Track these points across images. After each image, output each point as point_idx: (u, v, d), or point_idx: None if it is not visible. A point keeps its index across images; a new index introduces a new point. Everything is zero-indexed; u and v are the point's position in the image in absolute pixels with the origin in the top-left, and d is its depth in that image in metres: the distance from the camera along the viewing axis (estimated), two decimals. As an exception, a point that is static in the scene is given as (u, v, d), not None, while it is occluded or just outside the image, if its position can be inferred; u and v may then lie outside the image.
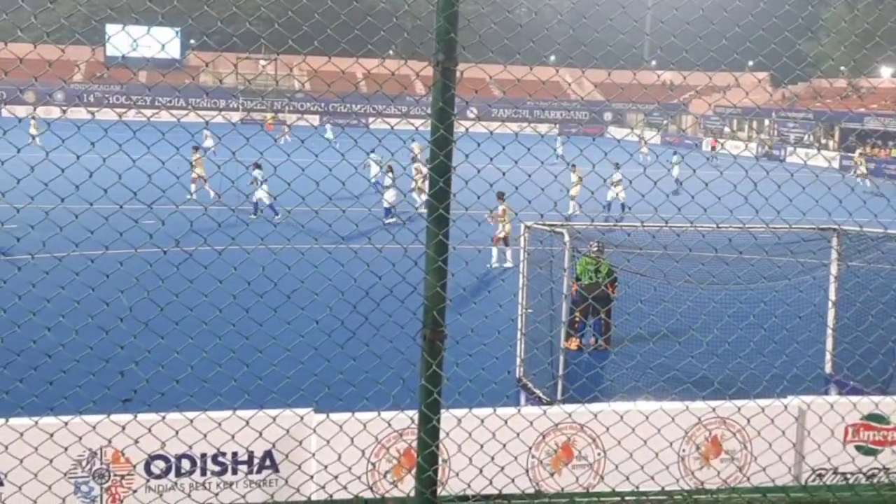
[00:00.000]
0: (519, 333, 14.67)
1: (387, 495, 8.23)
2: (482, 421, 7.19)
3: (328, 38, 6.41)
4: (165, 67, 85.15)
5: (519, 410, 8.03)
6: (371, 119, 78.41)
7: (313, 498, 7.87)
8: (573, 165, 33.04)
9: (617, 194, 35.69)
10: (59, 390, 6.88)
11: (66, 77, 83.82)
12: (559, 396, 13.49)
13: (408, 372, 6.64)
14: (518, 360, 14.95)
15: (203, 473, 8.78)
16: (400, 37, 6.97)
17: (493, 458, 7.01)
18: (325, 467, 6.66)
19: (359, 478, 7.73)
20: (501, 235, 25.31)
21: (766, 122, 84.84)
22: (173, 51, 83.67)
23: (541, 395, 14.20)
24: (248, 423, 7.14)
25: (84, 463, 8.60)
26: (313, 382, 7.17)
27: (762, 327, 9.98)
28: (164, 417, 7.33)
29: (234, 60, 68.35)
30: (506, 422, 7.27)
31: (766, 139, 79.84)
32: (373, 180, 35.26)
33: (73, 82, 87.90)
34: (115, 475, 8.60)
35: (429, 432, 5.27)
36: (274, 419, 7.46)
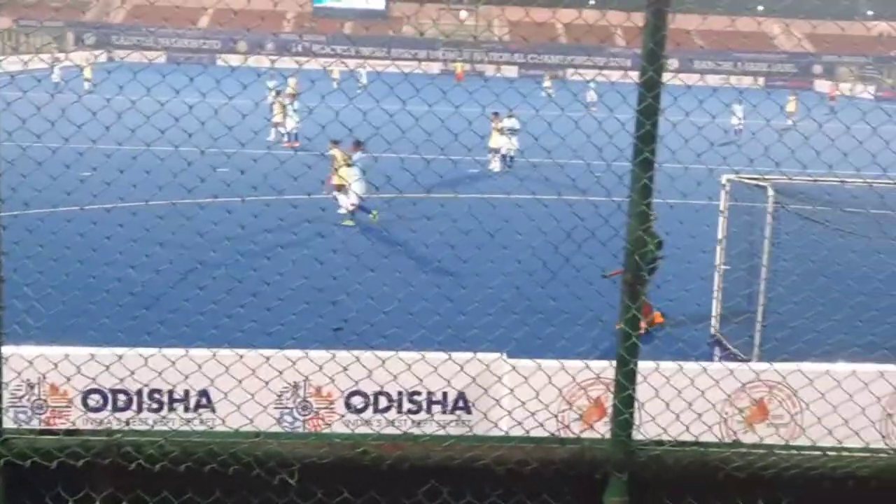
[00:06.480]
0: (715, 288, 14.44)
1: (581, 436, 8.33)
2: (681, 367, 7.17)
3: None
4: (370, 19, 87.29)
5: (720, 360, 7.95)
6: (571, 71, 77.88)
7: (510, 434, 8.06)
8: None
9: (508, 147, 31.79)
10: (276, 317, 7.32)
11: (275, 28, 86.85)
12: (755, 353, 13.20)
13: (607, 314, 6.69)
14: (713, 315, 14.75)
15: (399, 411, 9.13)
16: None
17: (690, 405, 6.98)
18: (523, 404, 6.81)
19: (556, 416, 7.86)
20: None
21: None
22: (378, 3, 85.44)
23: (735, 351, 13.94)
24: (461, 365, 7.36)
25: (289, 394, 9.11)
26: (513, 321, 7.34)
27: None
28: (389, 357, 7.66)
29: (434, 12, 69.14)
30: (705, 370, 7.23)
31: None
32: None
33: (283, 33, 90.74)
34: (316, 408, 9.07)
35: (626, 375, 5.27)
36: (488, 366, 7.66)
